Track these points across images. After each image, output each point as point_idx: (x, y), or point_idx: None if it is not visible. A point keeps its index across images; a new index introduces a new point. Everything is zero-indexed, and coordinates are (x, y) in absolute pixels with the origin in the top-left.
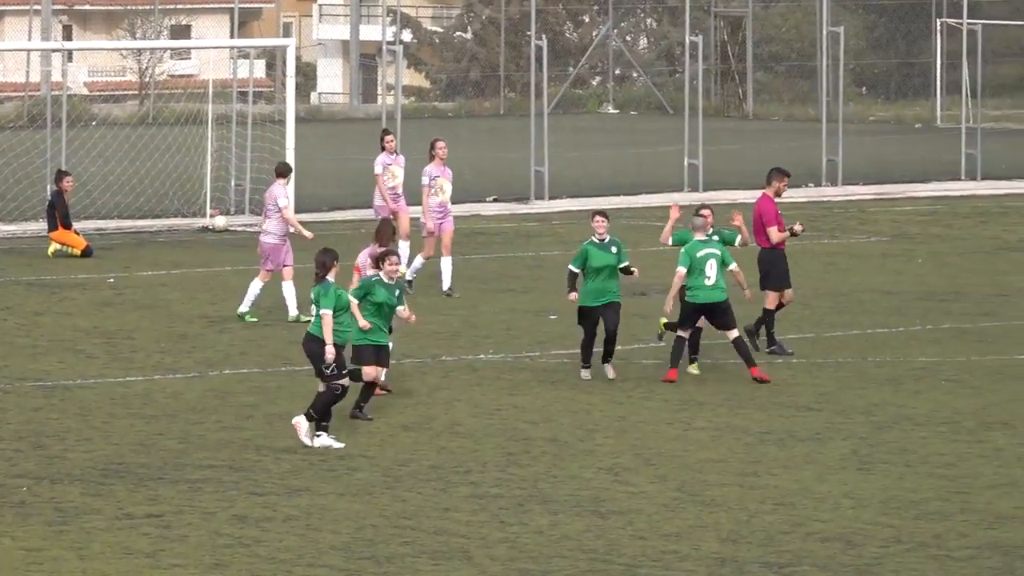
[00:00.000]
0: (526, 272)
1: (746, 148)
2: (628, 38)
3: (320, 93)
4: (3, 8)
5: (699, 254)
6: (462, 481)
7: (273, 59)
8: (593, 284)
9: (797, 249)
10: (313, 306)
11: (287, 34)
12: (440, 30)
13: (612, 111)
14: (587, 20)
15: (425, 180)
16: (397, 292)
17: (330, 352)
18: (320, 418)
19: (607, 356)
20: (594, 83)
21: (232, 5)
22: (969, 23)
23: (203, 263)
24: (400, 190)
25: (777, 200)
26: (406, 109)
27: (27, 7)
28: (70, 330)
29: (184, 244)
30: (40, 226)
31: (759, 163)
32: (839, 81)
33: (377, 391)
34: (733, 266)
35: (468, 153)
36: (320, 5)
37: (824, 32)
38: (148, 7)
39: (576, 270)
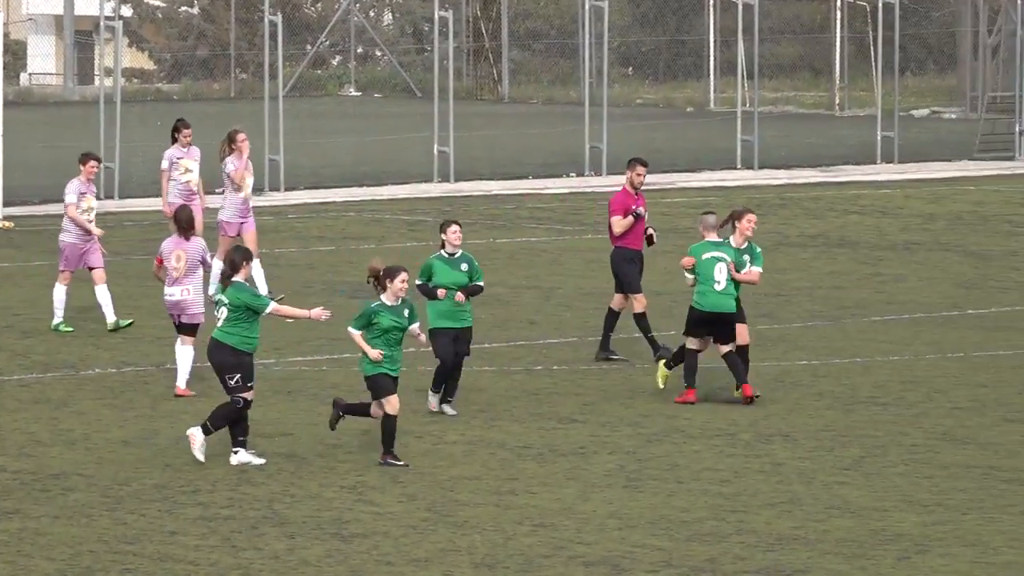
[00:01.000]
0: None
1: (502, 134)
2: (371, 13)
3: (31, 74)
4: None
5: (705, 256)
6: (190, 502)
7: None
8: (443, 304)
9: (559, 245)
10: (221, 308)
11: None
12: (164, 4)
13: (354, 93)
14: None
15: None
16: (407, 311)
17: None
18: (215, 430)
19: (450, 393)
20: (334, 63)
21: None
22: None
23: None
24: (194, 187)
25: (635, 191)
26: (126, 92)
27: None
28: None
29: None
30: None
31: (516, 151)
32: (603, 61)
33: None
34: (745, 271)
35: (194, 140)
36: None
37: (586, 6)
38: None
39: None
